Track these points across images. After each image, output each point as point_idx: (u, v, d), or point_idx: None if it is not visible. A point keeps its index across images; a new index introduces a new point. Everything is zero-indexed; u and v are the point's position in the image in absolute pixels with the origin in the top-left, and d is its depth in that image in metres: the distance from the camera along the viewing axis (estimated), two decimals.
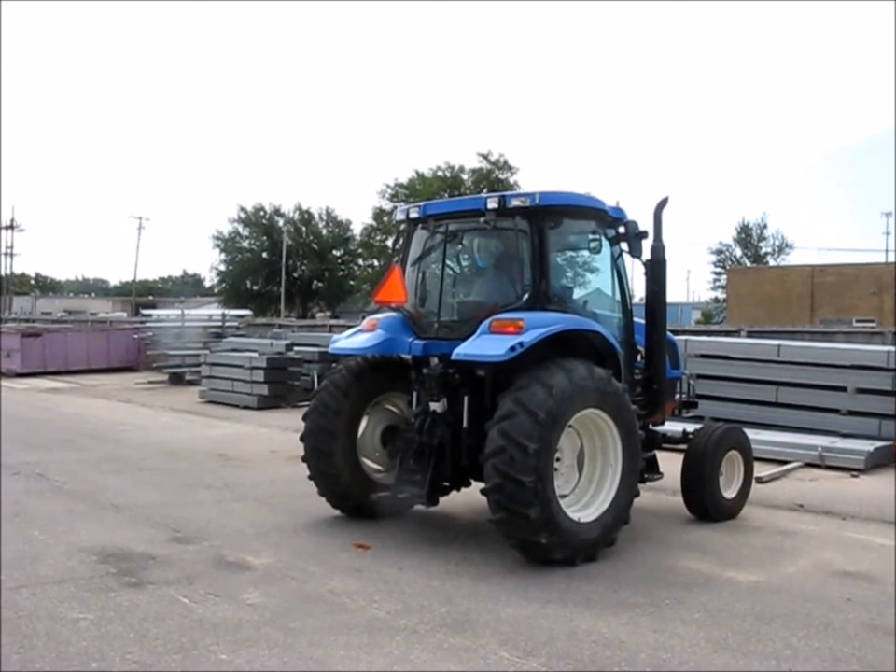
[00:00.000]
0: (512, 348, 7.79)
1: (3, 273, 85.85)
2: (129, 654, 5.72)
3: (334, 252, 69.05)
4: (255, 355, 22.70)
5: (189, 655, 5.73)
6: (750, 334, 18.39)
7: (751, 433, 14.44)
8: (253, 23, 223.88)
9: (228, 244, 66.93)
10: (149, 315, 42.72)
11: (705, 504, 9.78)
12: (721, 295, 67.65)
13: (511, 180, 59.45)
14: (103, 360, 33.50)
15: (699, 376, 16.60)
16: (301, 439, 9.58)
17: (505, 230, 8.71)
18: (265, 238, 67.39)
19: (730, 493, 10.04)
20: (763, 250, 73.76)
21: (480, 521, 9.03)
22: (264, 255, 66.98)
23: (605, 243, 9.12)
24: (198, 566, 7.80)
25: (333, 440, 9.28)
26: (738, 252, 75.11)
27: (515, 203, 8.53)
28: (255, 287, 67.28)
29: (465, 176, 60.92)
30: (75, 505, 10.22)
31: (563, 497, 8.07)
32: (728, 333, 19.06)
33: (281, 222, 68.15)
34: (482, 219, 8.68)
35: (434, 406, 8.86)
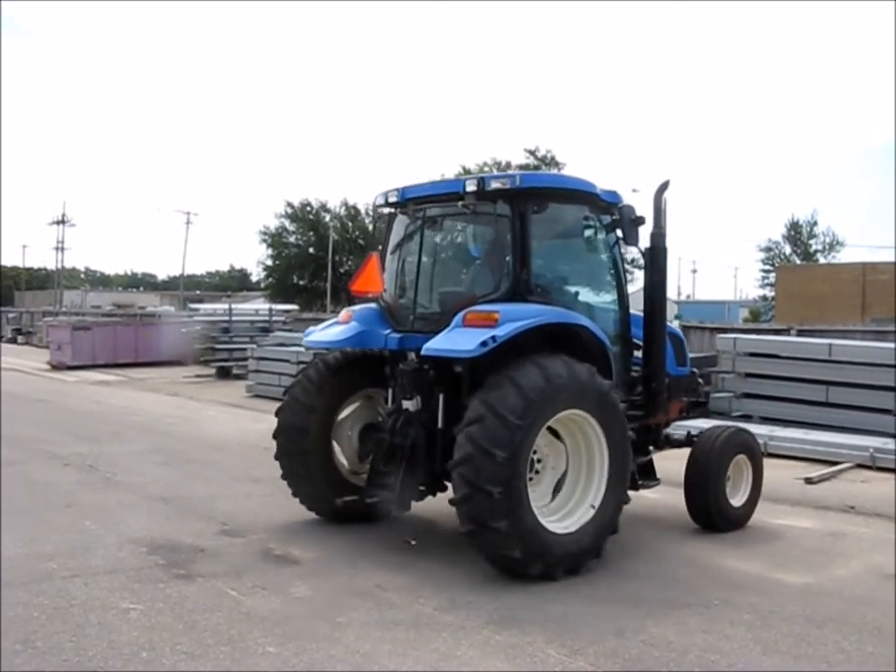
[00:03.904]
0: (484, 343, 7.20)
1: (54, 268, 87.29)
2: (178, 645, 5.79)
3: (380, 247, 69.12)
4: (301, 349, 22.81)
5: (237, 647, 5.78)
6: (800, 333, 18.13)
7: (801, 433, 14.42)
8: (304, 21, 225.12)
9: (275, 239, 67.39)
10: (197, 310, 43.09)
11: (710, 513, 9.13)
12: (769, 293, 66.74)
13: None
14: (151, 354, 33.89)
15: (747, 375, 16.53)
16: (274, 436, 9.12)
17: (485, 214, 8.21)
18: (311, 233, 67.71)
19: (737, 500, 9.40)
20: (814, 248, 72.56)
21: None
22: (311, 250, 67.32)
23: (599, 230, 8.62)
24: (246, 559, 7.87)
25: (305, 438, 8.78)
26: (788, 249, 73.95)
27: (495, 185, 7.93)
28: (301, 282, 67.62)
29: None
30: (124, 497, 10.36)
31: (542, 505, 7.58)
32: (778, 332, 18.82)
33: (327, 217, 68.45)
34: (460, 203, 8.16)
35: (407, 404, 8.32)
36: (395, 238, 9.08)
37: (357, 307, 9.13)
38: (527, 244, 7.97)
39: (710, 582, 7.45)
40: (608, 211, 8.67)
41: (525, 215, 7.97)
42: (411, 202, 8.75)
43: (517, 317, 7.47)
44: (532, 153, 60.39)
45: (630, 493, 8.12)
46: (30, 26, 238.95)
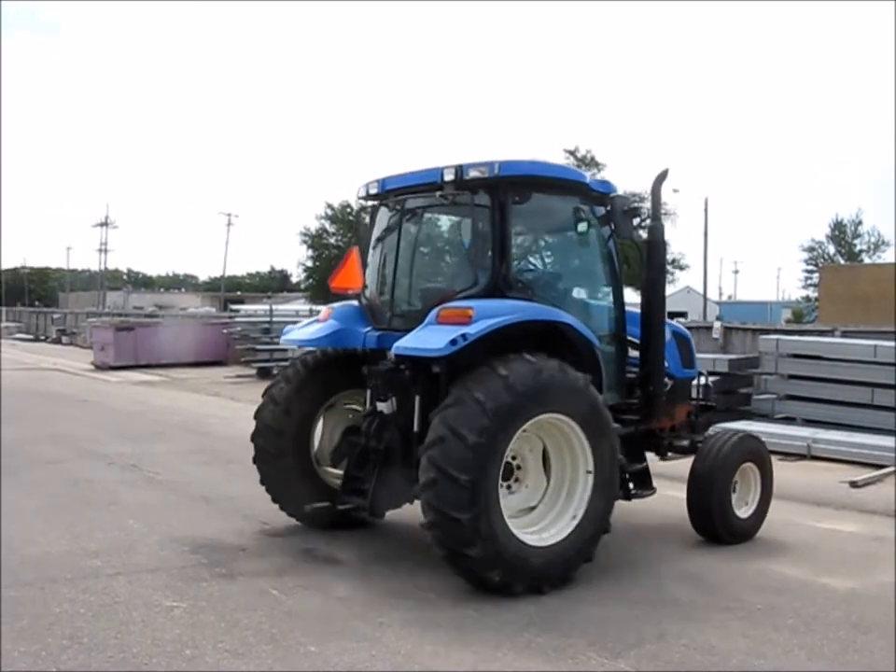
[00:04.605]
0: (453, 342, 6.78)
1: (98, 269, 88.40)
2: (220, 643, 5.83)
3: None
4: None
5: (279, 646, 5.82)
6: (845, 334, 17.89)
7: (845, 436, 14.22)
8: (348, 23, 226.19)
9: (315, 240, 67.70)
10: (238, 310, 43.44)
11: (714, 524, 8.59)
12: (812, 293, 66.00)
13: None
14: (192, 354, 34.19)
15: (790, 376, 16.33)
16: (251, 439, 8.75)
17: (465, 205, 7.73)
18: (351, 235, 67.97)
19: (744, 512, 8.84)
20: (858, 248, 71.68)
21: None
22: None
23: (591, 222, 8.12)
24: (287, 558, 7.91)
25: (281, 440, 8.46)
26: (831, 249, 73.14)
27: (473, 173, 7.46)
28: None
29: None
30: (166, 496, 10.47)
31: (521, 513, 7.26)
32: (821, 333, 18.58)
33: (367, 219, 68.68)
34: (438, 194, 7.75)
35: (381, 406, 7.90)
36: (376, 232, 8.67)
37: (337, 304, 8.84)
38: (507, 236, 7.59)
39: (752, 587, 7.37)
40: (601, 202, 8.22)
41: (505, 205, 7.54)
42: (391, 193, 8.39)
43: (493, 314, 7.07)
44: (572, 153, 59.98)
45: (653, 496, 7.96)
46: (65, 26, 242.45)
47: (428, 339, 7.03)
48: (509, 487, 7.28)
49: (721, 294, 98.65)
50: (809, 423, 15.54)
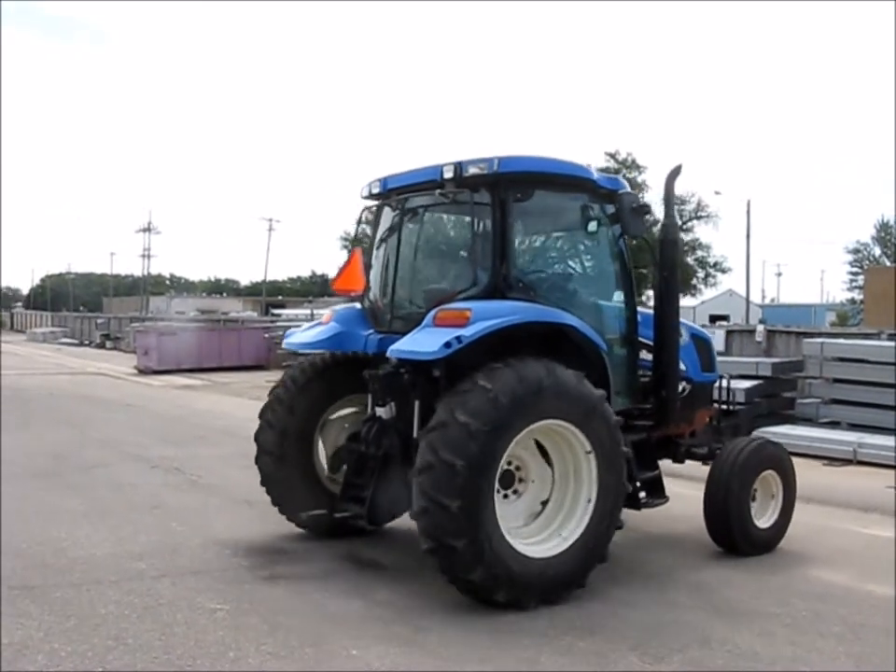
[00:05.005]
0: (447, 344, 6.53)
1: (141, 275, 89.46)
2: (263, 646, 5.87)
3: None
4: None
5: (321, 649, 5.84)
6: (891, 337, 17.67)
7: (892, 440, 14.00)
8: (390, 28, 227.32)
9: (355, 244, 67.98)
10: (279, 315, 43.78)
11: (732, 535, 8.26)
12: (857, 296, 65.21)
13: (640, 179, 58.52)
14: (234, 358, 34.47)
15: (835, 380, 16.12)
16: (255, 438, 8.59)
17: (465, 203, 7.45)
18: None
19: (764, 522, 8.48)
20: None
21: None
22: None
23: (601, 220, 7.84)
24: (329, 562, 7.94)
25: (284, 441, 8.32)
26: (877, 251, 72.28)
27: (472, 170, 7.23)
28: None
29: None
30: (209, 499, 10.55)
31: (520, 525, 7.03)
32: (867, 336, 18.35)
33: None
34: (437, 192, 7.54)
35: (380, 412, 7.70)
36: (380, 232, 8.51)
37: (339, 307, 8.69)
38: (508, 235, 7.35)
39: (797, 593, 7.28)
40: (610, 199, 7.90)
41: (505, 203, 7.32)
42: (394, 192, 8.23)
43: (490, 316, 6.81)
44: (612, 156, 59.71)
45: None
46: (110, 33, 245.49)
47: (423, 341, 6.81)
48: (515, 492, 7.13)
49: (763, 297, 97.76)
50: (855, 427, 15.34)
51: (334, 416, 8.65)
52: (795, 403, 17.11)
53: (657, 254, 8.36)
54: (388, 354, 7.18)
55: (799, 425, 15.90)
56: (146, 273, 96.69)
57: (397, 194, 8.21)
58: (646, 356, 8.39)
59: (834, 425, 15.79)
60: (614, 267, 8.15)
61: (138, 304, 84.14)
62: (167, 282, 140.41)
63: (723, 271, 61.41)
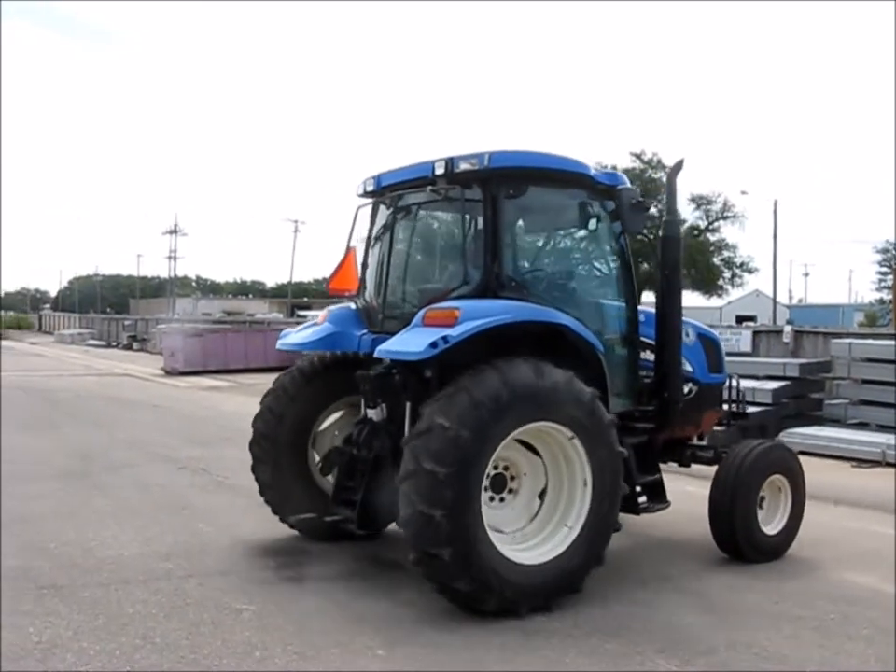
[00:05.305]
0: (434, 344, 6.36)
1: (167, 276, 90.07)
2: (289, 646, 5.89)
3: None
4: None
5: (347, 649, 5.86)
6: None
7: None
8: (413, 29, 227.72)
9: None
10: (305, 316, 43.86)
11: (737, 541, 8.02)
12: (886, 296, 64.55)
13: (665, 179, 58.04)
14: (260, 360, 34.55)
15: (864, 381, 15.98)
16: (249, 447, 8.62)
17: (457, 200, 7.26)
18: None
19: (771, 528, 8.23)
20: None
21: (641, 522, 8.58)
22: None
23: (599, 217, 7.61)
24: (354, 562, 7.96)
25: (276, 447, 8.30)
26: None
27: (463, 166, 7.04)
28: None
29: None
30: (235, 500, 10.58)
31: (514, 531, 6.91)
32: None
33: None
34: (429, 188, 7.40)
35: (371, 413, 7.61)
36: (374, 231, 8.35)
37: (334, 307, 8.53)
38: (500, 232, 7.16)
39: (825, 595, 7.23)
40: (609, 195, 7.73)
41: (497, 199, 7.13)
42: (387, 189, 8.04)
43: (480, 315, 6.63)
44: (638, 157, 59.32)
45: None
46: (130, 38, 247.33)
47: (410, 341, 6.65)
48: (510, 491, 7.00)
49: (791, 297, 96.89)
50: (884, 429, 15.20)
51: (332, 419, 8.61)
52: (823, 404, 16.99)
53: (659, 252, 8.23)
54: (376, 354, 7.06)
55: (827, 426, 15.78)
56: (172, 274, 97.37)
57: (391, 191, 8.05)
58: (649, 356, 8.25)
59: (863, 426, 15.65)
60: (613, 265, 8.02)
61: (165, 306, 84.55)
62: (193, 283, 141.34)
63: (750, 271, 60.98)
